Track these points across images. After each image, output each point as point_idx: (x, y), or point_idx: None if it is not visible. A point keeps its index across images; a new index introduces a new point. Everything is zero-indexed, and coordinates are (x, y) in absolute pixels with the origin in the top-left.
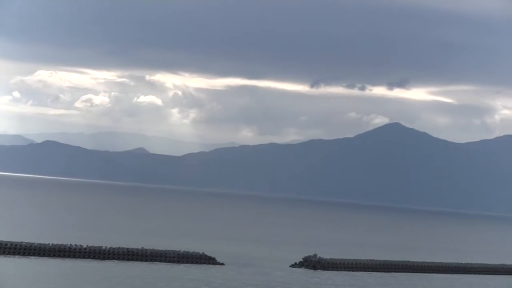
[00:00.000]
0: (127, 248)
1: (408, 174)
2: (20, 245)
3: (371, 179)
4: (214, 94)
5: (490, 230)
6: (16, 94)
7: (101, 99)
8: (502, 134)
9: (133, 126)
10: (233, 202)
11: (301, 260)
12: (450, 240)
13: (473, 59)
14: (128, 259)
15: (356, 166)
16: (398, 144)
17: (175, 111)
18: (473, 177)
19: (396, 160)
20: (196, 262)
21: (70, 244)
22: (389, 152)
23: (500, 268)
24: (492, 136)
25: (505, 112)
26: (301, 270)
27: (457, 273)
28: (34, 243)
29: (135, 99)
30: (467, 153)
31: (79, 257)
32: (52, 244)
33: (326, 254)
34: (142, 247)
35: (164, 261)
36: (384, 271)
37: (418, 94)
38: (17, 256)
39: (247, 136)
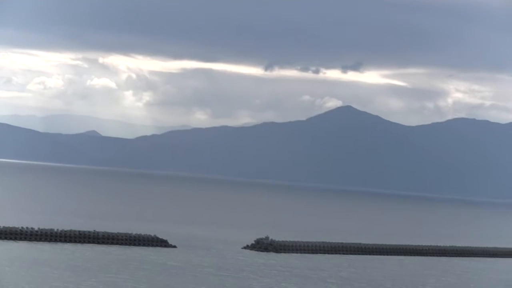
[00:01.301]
0: (79, 231)
1: (360, 157)
2: None
3: (322, 162)
4: (168, 76)
5: (441, 212)
6: None
7: (55, 82)
8: (454, 117)
9: (86, 109)
10: (185, 185)
11: (253, 242)
12: (403, 222)
13: (426, 42)
14: (80, 242)
15: (308, 149)
16: (350, 127)
17: (128, 93)
18: (424, 160)
19: (348, 143)
20: (148, 245)
21: (21, 227)
22: (340, 135)
23: (451, 249)
24: (444, 119)
25: (458, 95)
26: (253, 252)
27: (410, 255)
28: None
29: (88, 81)
30: (419, 136)
31: (30, 239)
32: (3, 226)
33: (278, 236)
34: (94, 230)
35: (116, 243)
36: (337, 253)
37: (371, 77)
38: None
39: (200, 119)
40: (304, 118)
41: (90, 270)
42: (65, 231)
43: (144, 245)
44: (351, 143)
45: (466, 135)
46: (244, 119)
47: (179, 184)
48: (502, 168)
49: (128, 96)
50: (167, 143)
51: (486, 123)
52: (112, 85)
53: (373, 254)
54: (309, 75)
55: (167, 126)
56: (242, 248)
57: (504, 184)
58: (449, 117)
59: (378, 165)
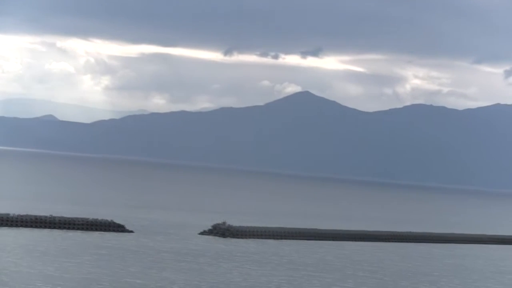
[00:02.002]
0: (36, 216)
1: (316, 142)
2: None
3: (279, 147)
4: (127, 61)
5: (397, 198)
6: None
7: (13, 65)
8: (412, 103)
9: (44, 93)
10: (142, 170)
11: (210, 227)
12: (359, 208)
13: (385, 28)
14: (36, 227)
15: (265, 134)
16: (307, 113)
17: (87, 78)
18: (380, 144)
19: (305, 128)
20: (105, 230)
21: None
22: (298, 120)
23: (407, 235)
24: (402, 105)
25: (416, 81)
26: (211, 238)
27: (367, 241)
28: None
29: (46, 65)
30: (375, 122)
31: None
32: None
33: (235, 222)
34: (51, 215)
35: (73, 228)
36: (294, 239)
37: (330, 63)
38: None
39: (158, 103)
40: (262, 103)
41: (49, 255)
42: (22, 216)
43: (101, 230)
44: (307, 128)
45: (423, 121)
46: (202, 104)
47: (136, 169)
48: (456, 153)
49: (87, 80)
50: (125, 128)
51: (443, 109)
52: (71, 69)
53: (330, 240)
54: (268, 60)
55: (125, 111)
56: (199, 233)
57: (458, 170)
58: (407, 103)
59: (333, 150)
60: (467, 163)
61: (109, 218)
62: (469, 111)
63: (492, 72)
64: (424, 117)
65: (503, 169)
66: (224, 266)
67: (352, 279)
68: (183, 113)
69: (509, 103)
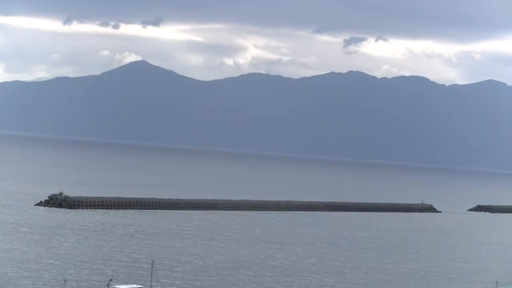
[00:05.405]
0: None
1: (150, 112)
2: None
3: (111, 116)
4: None
5: (229, 167)
6: None
7: None
8: (250, 72)
9: None
10: None
11: (47, 198)
12: (191, 177)
13: None
14: None
15: (99, 104)
16: (142, 82)
17: None
18: (214, 113)
19: (137, 97)
20: None
21: None
22: (131, 89)
23: (245, 203)
24: (239, 74)
25: (256, 51)
26: (46, 209)
27: (205, 209)
28: None
29: None
30: (210, 90)
31: None
32: None
33: (72, 192)
34: None
35: None
36: (133, 208)
37: (170, 33)
38: None
39: None
40: (98, 73)
41: None
42: None
43: None
44: (140, 98)
45: (258, 90)
46: (39, 74)
47: None
48: (283, 121)
49: None
50: None
51: (278, 78)
52: None
53: (170, 209)
54: (108, 30)
55: None
56: (35, 204)
57: (286, 138)
58: (246, 72)
59: (166, 119)
60: (297, 131)
61: None
62: (303, 80)
63: (332, 41)
64: (259, 86)
65: (332, 136)
66: (72, 237)
67: (201, 246)
68: (17, 83)
69: (343, 71)
